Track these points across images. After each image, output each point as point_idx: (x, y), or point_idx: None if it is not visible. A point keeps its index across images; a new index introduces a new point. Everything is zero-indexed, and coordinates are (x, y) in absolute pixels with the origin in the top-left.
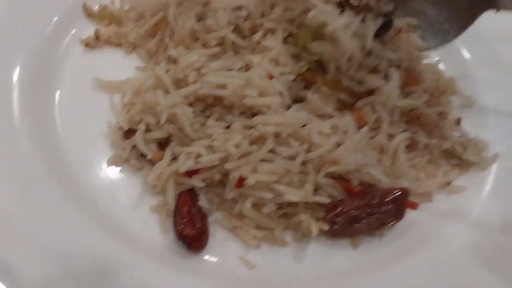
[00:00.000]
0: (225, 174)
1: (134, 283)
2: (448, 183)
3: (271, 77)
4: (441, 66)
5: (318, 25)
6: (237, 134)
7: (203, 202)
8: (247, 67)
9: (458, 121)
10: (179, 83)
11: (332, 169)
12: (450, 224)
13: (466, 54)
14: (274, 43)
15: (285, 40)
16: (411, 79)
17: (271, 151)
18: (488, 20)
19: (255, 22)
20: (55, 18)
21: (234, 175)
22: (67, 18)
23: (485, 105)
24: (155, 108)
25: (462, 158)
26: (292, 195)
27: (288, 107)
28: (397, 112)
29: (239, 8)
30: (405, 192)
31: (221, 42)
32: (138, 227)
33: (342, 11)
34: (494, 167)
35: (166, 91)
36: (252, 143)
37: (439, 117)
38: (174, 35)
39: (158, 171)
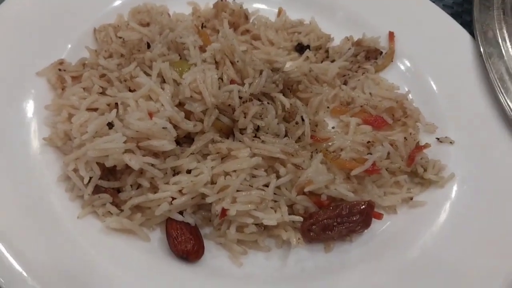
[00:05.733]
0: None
1: None
2: (411, 198)
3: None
4: (410, 96)
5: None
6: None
7: (188, 217)
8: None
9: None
10: None
11: (308, 188)
12: (412, 233)
13: (433, 86)
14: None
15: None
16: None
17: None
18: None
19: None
20: None
21: (217, 209)
22: None
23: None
24: None
25: (423, 177)
26: (270, 220)
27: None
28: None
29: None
30: (370, 205)
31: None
32: None
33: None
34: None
35: None
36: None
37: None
38: None
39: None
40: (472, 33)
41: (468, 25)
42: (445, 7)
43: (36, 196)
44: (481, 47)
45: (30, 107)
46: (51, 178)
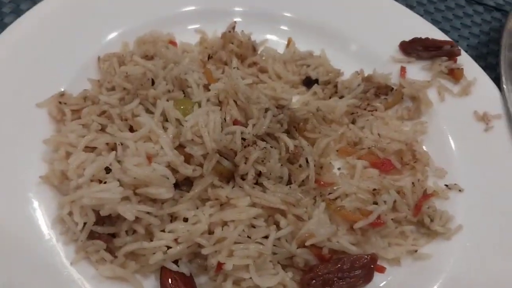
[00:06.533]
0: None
1: None
2: (415, 251)
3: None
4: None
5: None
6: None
7: (183, 267)
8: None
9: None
10: None
11: (309, 242)
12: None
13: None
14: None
15: None
16: None
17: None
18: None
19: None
20: None
21: (213, 262)
22: None
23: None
24: None
25: (430, 228)
26: (268, 283)
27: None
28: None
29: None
30: (373, 258)
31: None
32: None
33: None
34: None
35: None
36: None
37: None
38: None
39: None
40: (495, 77)
41: (493, 68)
42: (470, 48)
43: (30, 238)
44: (504, 85)
45: (28, 140)
46: (46, 219)
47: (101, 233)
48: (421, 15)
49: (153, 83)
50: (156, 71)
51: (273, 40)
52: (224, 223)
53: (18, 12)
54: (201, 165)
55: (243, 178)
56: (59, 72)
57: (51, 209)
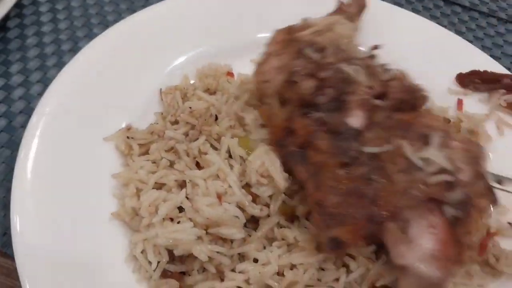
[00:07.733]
0: None
1: None
2: None
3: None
4: None
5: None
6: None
7: None
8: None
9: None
10: None
11: (379, 282)
12: None
13: None
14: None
15: None
16: None
17: None
18: None
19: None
20: None
21: None
22: None
23: None
24: None
25: (496, 268)
26: None
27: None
28: None
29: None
30: None
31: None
32: None
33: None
34: None
35: None
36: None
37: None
38: None
39: None
40: None
41: None
42: None
43: (102, 277)
44: None
45: (97, 174)
46: (118, 256)
47: (173, 271)
48: (471, 41)
49: (216, 118)
50: (219, 106)
51: None
52: (293, 265)
53: (92, 36)
54: (267, 205)
55: (307, 218)
56: (123, 104)
57: (122, 245)
